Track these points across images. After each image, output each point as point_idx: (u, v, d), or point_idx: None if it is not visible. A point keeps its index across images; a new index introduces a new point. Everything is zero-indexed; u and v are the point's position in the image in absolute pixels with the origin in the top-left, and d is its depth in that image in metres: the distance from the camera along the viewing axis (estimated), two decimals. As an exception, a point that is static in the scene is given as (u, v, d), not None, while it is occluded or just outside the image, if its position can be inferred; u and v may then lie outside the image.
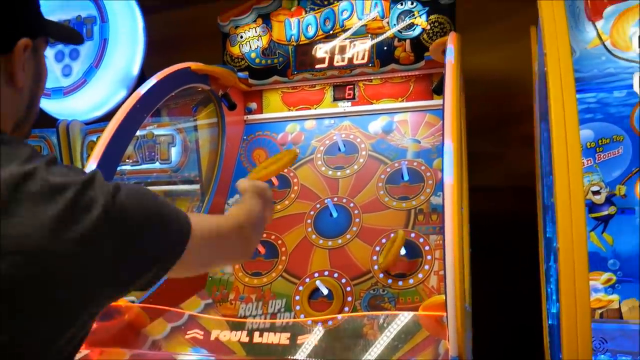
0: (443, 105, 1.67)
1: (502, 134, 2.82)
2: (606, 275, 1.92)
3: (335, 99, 2.54)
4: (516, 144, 2.71)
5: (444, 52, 1.90)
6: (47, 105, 3.01)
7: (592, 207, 1.97)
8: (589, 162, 1.99)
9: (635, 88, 1.84)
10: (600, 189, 1.97)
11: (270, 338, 1.79)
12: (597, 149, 1.99)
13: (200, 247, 0.95)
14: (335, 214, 2.21)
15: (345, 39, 2.44)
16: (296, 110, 2.59)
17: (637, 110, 1.94)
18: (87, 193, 0.77)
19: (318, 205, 2.28)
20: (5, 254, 0.69)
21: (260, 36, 2.56)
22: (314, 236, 2.20)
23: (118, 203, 0.79)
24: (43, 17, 1.00)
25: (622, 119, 1.98)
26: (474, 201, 2.10)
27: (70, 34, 1.13)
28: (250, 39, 2.58)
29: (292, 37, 2.52)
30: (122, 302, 1.88)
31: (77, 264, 0.74)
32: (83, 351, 1.70)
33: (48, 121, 2.96)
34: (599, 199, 1.97)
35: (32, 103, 0.98)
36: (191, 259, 0.92)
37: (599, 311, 1.90)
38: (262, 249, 2.22)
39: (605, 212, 1.96)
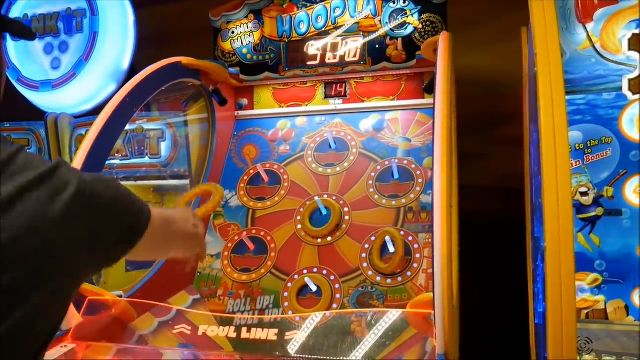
0: (434, 104, 1.67)
1: (491, 135, 2.83)
2: (592, 276, 1.94)
3: (327, 96, 2.54)
4: (505, 145, 2.72)
5: (435, 51, 1.90)
6: (36, 98, 2.99)
7: (579, 208, 1.98)
8: (578, 163, 2.00)
9: (625, 90, 1.86)
10: (588, 190, 1.99)
11: (258, 334, 1.79)
12: (586, 150, 2.01)
13: (158, 229, 1.05)
14: (324, 212, 2.21)
15: (337, 36, 2.44)
16: (287, 106, 2.59)
17: (625, 113, 1.96)
18: (59, 175, 0.85)
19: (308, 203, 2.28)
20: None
21: (252, 32, 2.56)
22: (303, 233, 2.20)
23: (89, 185, 0.88)
24: None
25: (610, 121, 1.99)
26: (462, 201, 2.11)
27: (21, 30, 1.16)
28: (241, 35, 2.57)
29: (284, 33, 2.51)
30: (109, 296, 1.87)
31: (62, 238, 0.83)
32: (69, 345, 1.69)
33: (36, 114, 2.93)
34: (587, 200, 1.98)
35: None
36: (151, 239, 1.02)
37: (585, 311, 1.92)
38: (251, 245, 2.22)
39: (593, 213, 1.98)
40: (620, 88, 1.88)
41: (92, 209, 0.88)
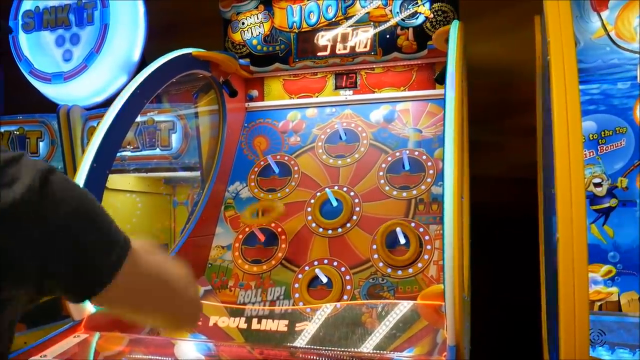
0: (445, 95, 1.66)
1: (503, 124, 2.80)
2: (606, 268, 1.92)
3: (337, 87, 2.53)
4: (517, 134, 2.69)
5: (447, 40, 1.88)
6: (48, 90, 3.01)
7: (593, 199, 1.96)
8: (591, 154, 1.98)
9: (640, 79, 1.83)
10: (602, 181, 1.96)
11: (269, 325, 1.80)
12: (600, 140, 1.98)
13: (137, 278, 0.79)
14: (335, 203, 2.21)
15: (348, 26, 2.42)
16: (297, 98, 2.58)
17: (640, 102, 1.93)
18: (8, 171, 0.69)
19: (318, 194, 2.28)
20: None
21: (262, 23, 2.55)
22: (313, 224, 2.20)
23: (47, 188, 0.70)
24: None
25: (625, 110, 1.96)
26: (473, 191, 2.09)
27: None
28: (252, 26, 2.56)
29: (294, 24, 2.50)
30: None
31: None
32: (82, 335, 1.70)
33: (49, 106, 2.95)
34: (601, 191, 1.96)
35: None
36: (122, 289, 0.77)
37: (598, 303, 1.90)
38: (261, 237, 2.22)
39: (607, 205, 1.96)
40: (636, 77, 1.85)
41: (43, 220, 0.69)
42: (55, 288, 0.74)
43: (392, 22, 2.36)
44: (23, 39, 3.01)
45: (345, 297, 1.97)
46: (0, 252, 0.66)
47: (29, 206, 0.68)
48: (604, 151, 1.98)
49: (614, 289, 1.92)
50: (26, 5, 3.02)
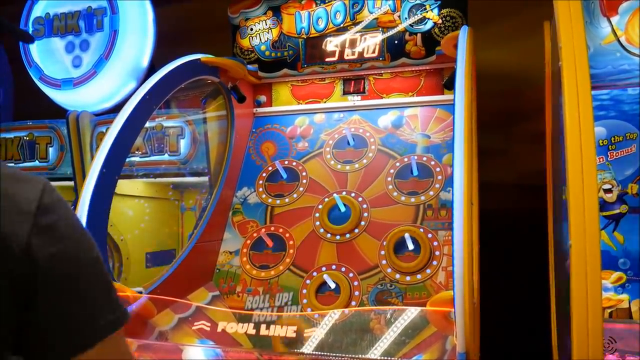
0: (454, 100, 1.65)
1: (512, 131, 2.80)
2: (616, 275, 1.91)
3: (345, 93, 2.53)
4: (525, 141, 2.69)
5: (455, 46, 1.88)
6: (57, 96, 3.02)
7: (603, 205, 1.95)
8: (601, 159, 1.97)
9: (650, 85, 1.82)
10: (612, 187, 1.95)
11: (277, 331, 1.79)
12: (610, 146, 1.97)
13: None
14: (343, 209, 2.20)
15: (356, 32, 2.43)
16: (305, 103, 2.59)
17: (651, 108, 1.92)
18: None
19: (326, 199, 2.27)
20: None
21: (271, 29, 2.55)
22: (322, 230, 2.20)
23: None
24: None
25: (635, 116, 1.95)
26: (482, 197, 2.08)
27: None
28: (260, 32, 2.57)
29: (303, 30, 2.51)
30: (130, 292, 1.89)
31: None
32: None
33: (58, 112, 2.97)
34: (611, 197, 1.95)
35: None
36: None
37: (609, 310, 1.89)
38: (269, 242, 2.22)
39: (617, 211, 1.94)
40: (646, 83, 1.84)
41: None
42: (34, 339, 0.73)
43: (401, 27, 2.36)
44: (33, 45, 3.03)
45: (353, 303, 1.97)
46: None
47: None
48: (614, 157, 1.97)
49: (625, 296, 1.90)
50: (36, 12, 3.04)
